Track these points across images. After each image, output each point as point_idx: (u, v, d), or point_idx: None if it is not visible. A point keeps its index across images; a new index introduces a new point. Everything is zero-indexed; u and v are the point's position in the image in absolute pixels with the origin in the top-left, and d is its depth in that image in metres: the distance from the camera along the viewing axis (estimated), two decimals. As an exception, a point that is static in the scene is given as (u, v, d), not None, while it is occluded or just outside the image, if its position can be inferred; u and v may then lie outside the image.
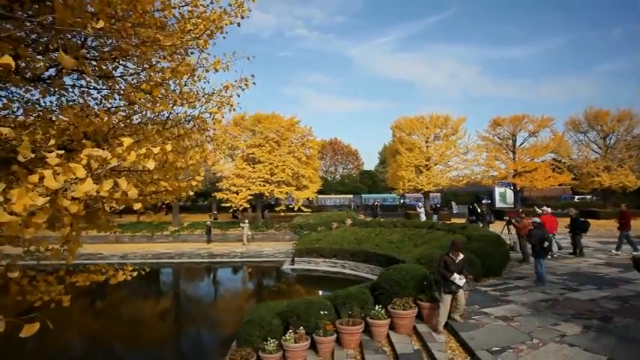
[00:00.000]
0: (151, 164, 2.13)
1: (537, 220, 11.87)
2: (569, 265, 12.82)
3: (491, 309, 8.26)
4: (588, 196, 46.42)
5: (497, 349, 6.20)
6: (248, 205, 31.75)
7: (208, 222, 29.45)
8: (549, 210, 15.55)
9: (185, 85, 3.51)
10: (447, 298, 7.40)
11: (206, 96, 3.71)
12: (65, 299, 2.86)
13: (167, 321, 15.36)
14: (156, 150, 2.16)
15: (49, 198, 1.57)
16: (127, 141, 2.03)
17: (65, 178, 1.61)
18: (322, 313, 8.07)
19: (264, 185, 30.17)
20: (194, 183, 3.37)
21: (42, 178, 1.54)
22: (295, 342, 7.56)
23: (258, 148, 30.51)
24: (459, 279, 7.31)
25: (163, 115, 3.45)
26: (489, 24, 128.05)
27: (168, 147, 2.54)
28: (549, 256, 12.63)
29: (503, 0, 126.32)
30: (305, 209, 31.64)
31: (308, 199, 34.10)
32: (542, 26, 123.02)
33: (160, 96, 3.15)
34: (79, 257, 23.98)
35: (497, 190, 40.20)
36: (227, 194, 29.98)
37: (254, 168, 30.38)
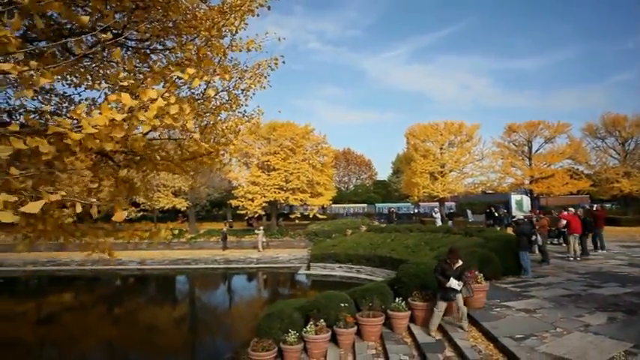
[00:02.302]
0: (190, 124, 2.29)
1: (522, 217, 12.33)
2: (591, 265, 12.63)
3: (512, 302, 8.21)
4: (608, 204, 45.49)
5: (520, 336, 6.18)
6: (263, 213, 31.97)
7: (224, 229, 29.72)
8: (574, 210, 15.35)
9: (220, 61, 3.70)
10: (442, 305, 7.21)
11: (239, 72, 3.92)
12: (112, 254, 3.01)
13: (187, 322, 15.52)
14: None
15: (125, 115, 1.75)
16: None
17: (139, 101, 1.80)
18: (342, 305, 8.12)
19: (278, 192, 30.39)
20: (231, 147, 3.53)
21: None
22: (316, 333, 7.62)
23: (273, 155, 30.82)
24: (456, 284, 7.01)
25: (199, 87, 3.65)
26: (500, 36, 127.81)
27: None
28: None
29: (515, 12, 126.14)
30: (320, 216, 31.74)
31: (322, 206, 34.16)
32: (554, 38, 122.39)
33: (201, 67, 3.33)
34: (97, 263, 24.44)
35: (514, 198, 39.67)
36: (242, 201, 30.27)
37: (269, 175, 30.66)
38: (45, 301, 19.23)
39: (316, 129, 33.33)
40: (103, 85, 3.31)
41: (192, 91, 3.58)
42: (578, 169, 35.79)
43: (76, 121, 1.71)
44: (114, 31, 2.98)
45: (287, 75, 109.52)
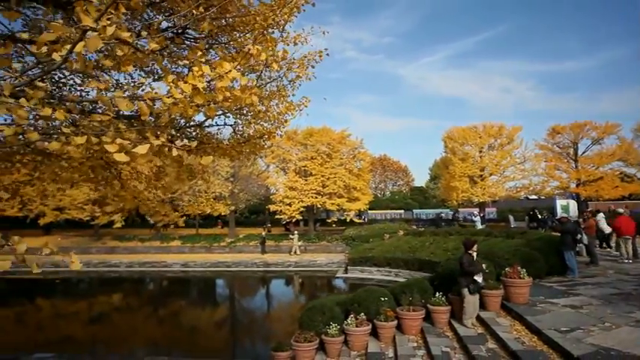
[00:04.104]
0: (255, 98, 2.60)
1: (565, 214, 11.79)
2: (644, 267, 12.03)
3: (557, 300, 8.02)
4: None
5: (566, 329, 6.08)
6: (300, 218, 32.39)
7: (263, 233, 30.36)
8: (627, 211, 14.65)
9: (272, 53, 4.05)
10: (473, 298, 7.47)
11: (288, 63, 4.25)
12: (180, 221, 3.37)
13: (228, 323, 16.02)
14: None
15: (206, 84, 2.07)
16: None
17: (218, 72, 2.12)
18: (382, 300, 8.25)
19: (316, 197, 30.74)
20: (283, 129, 3.85)
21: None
22: (357, 326, 7.78)
23: (310, 161, 31.26)
24: (481, 278, 7.52)
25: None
26: (543, 37, 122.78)
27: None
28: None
29: (557, 13, 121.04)
30: (357, 220, 31.83)
31: (359, 211, 34.20)
32: (603, 37, 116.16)
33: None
34: (144, 265, 25.64)
35: (559, 203, 38.00)
36: (280, 206, 30.86)
37: (306, 180, 31.10)
38: (95, 301, 20.34)
39: (352, 134, 33.57)
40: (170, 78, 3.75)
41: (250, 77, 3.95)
42: (629, 172, 33.92)
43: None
44: (179, 30, 3.38)
45: (323, 83, 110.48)
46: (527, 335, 6.37)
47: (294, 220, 31.48)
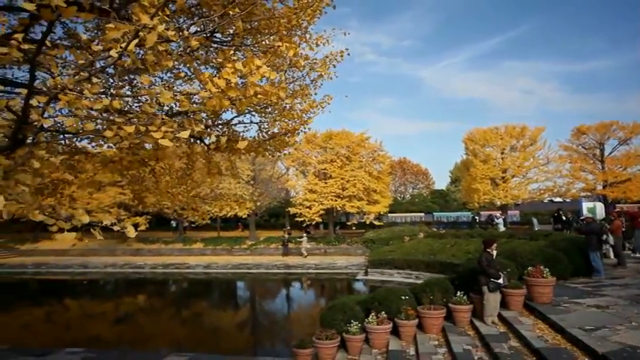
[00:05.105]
0: (283, 93, 2.76)
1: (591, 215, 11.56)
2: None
3: (582, 300, 7.90)
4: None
5: (590, 328, 6.01)
6: (320, 220, 32.55)
7: (285, 236, 30.63)
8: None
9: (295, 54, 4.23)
10: (493, 296, 7.48)
11: (310, 64, 4.42)
12: (205, 216, 3.57)
13: (250, 324, 16.25)
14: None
15: (239, 79, 2.25)
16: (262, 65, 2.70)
17: (250, 68, 2.29)
18: (403, 298, 8.28)
19: (335, 200, 30.84)
20: (307, 125, 4.02)
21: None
22: (378, 324, 7.85)
23: (330, 163, 31.42)
24: (502, 279, 7.53)
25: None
26: (566, 38, 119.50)
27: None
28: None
29: (581, 12, 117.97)
30: (377, 223, 31.78)
31: (379, 213, 34.13)
32: (628, 36, 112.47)
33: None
34: (168, 266, 26.20)
35: (585, 205, 36.96)
36: (300, 209, 31.09)
37: (326, 183, 31.24)
38: (121, 301, 20.90)
39: (372, 137, 33.58)
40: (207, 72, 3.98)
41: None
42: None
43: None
44: (207, 34, 3.59)
45: (343, 87, 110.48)
46: (550, 334, 6.33)
47: (314, 222, 31.64)
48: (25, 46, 2.16)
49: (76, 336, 13.79)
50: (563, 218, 19.58)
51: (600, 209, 35.15)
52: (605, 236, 11.07)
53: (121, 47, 1.98)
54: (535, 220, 33.73)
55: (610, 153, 33.01)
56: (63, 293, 22.99)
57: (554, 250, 10.44)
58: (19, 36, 2.16)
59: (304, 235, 29.40)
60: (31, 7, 1.87)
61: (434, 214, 55.31)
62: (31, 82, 2.24)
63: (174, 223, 38.59)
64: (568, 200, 36.62)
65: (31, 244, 36.37)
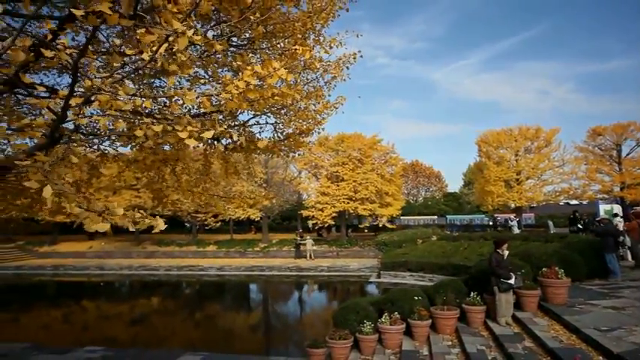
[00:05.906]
0: (298, 94, 2.87)
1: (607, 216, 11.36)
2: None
3: (598, 301, 7.84)
4: None
5: (606, 328, 5.97)
6: (332, 223, 32.60)
7: (297, 238, 30.76)
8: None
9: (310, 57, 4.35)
10: (505, 296, 7.45)
11: (324, 65, 4.54)
12: (225, 213, 3.70)
13: (263, 326, 16.36)
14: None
15: (258, 81, 2.37)
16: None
17: (268, 70, 2.41)
18: (416, 299, 8.31)
19: (348, 202, 30.88)
20: (321, 125, 4.13)
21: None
22: (391, 325, 7.88)
23: (342, 166, 31.50)
24: (514, 280, 7.49)
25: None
26: (581, 39, 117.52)
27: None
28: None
29: (596, 13, 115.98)
30: (389, 226, 31.71)
31: (391, 216, 34.06)
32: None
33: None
34: (182, 269, 26.52)
35: (602, 207, 36.33)
36: (312, 212, 31.19)
37: (338, 186, 31.31)
38: (137, 303, 21.21)
39: (384, 140, 33.56)
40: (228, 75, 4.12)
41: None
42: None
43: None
44: (225, 38, 3.74)
45: (355, 90, 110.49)
46: (565, 334, 6.30)
47: (326, 225, 31.71)
48: (69, 51, 2.33)
49: (94, 336, 14.07)
50: (580, 220, 19.28)
51: (618, 211, 34.52)
52: (622, 238, 10.90)
53: (151, 51, 2.12)
54: (551, 223, 33.31)
55: (627, 154, 32.41)
56: (80, 294, 23.44)
57: (569, 251, 10.34)
58: (65, 41, 2.33)
59: (308, 237, 29.54)
60: (79, 13, 2.03)
61: (447, 216, 54.91)
62: (73, 84, 2.40)
63: (188, 225, 39.09)
64: (585, 202, 36.07)
65: (49, 247, 37.21)
